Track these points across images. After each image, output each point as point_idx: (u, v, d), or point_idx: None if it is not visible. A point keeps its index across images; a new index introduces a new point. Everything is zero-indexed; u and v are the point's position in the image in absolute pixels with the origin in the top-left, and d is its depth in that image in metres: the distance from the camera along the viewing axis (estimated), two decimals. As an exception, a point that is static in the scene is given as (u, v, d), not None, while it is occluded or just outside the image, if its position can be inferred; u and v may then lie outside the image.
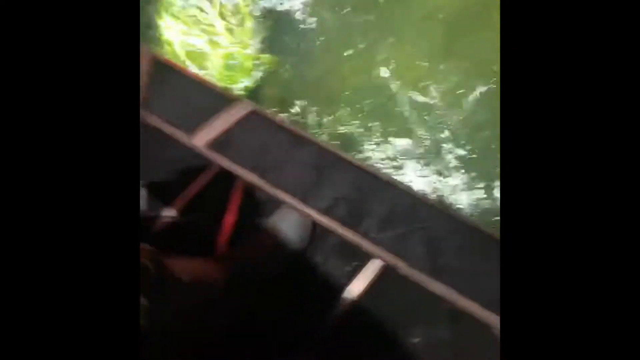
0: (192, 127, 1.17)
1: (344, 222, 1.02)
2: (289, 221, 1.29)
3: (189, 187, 1.41)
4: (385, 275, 1.23)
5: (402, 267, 0.97)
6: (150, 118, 1.20)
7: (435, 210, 1.01)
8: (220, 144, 1.15)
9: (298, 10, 1.97)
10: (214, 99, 1.17)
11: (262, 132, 1.13)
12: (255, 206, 1.36)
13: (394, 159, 1.84)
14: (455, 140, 1.80)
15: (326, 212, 1.04)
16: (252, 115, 1.14)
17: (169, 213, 1.33)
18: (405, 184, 1.03)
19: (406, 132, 1.84)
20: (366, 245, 0.99)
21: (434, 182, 1.80)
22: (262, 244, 1.32)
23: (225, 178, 1.21)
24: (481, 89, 1.81)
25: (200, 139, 1.16)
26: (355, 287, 1.26)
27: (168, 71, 1.20)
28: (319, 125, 1.91)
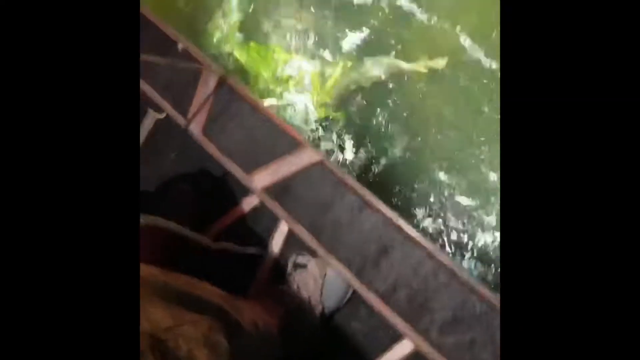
0: (252, 165, 1.08)
1: (400, 312, 0.92)
2: (331, 282, 1.20)
3: (227, 215, 1.32)
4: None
5: None
6: (208, 146, 1.11)
7: None
8: (279, 190, 1.05)
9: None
10: (282, 139, 1.07)
11: (325, 187, 1.03)
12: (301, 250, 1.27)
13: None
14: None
15: (383, 296, 0.94)
16: (319, 167, 1.04)
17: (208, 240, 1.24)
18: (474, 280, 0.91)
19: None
20: (423, 346, 0.89)
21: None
22: (300, 292, 1.23)
23: (270, 215, 1.12)
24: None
25: (259, 180, 1.07)
26: None
27: (237, 99, 1.11)
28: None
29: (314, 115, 1.84)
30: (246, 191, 1.27)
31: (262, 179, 1.06)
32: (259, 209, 1.29)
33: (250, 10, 1.98)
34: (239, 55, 1.89)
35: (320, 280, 1.23)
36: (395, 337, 1.15)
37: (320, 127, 1.82)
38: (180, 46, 1.14)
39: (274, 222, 1.26)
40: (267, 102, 1.68)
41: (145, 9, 1.19)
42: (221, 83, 1.12)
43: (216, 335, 0.72)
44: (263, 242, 1.29)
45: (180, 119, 1.14)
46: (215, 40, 1.97)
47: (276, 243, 1.28)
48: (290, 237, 1.27)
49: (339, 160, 1.74)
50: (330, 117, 1.81)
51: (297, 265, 1.25)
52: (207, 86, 1.12)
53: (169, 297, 0.71)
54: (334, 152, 1.74)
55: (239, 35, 1.95)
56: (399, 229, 0.97)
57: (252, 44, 1.88)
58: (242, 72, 1.88)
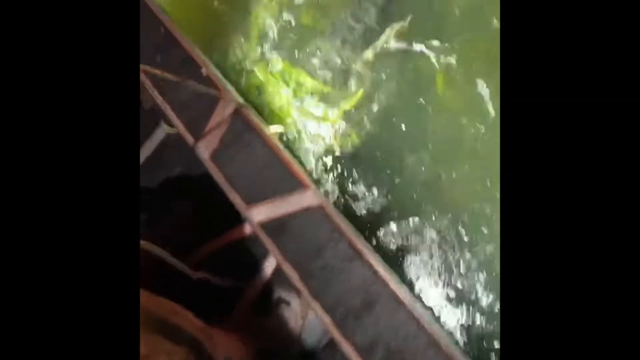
0: (253, 197, 1.09)
1: (376, 370, 0.92)
2: (312, 323, 1.19)
3: (219, 239, 1.32)
4: None
5: None
6: (214, 171, 1.13)
7: None
8: (275, 226, 1.06)
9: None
10: (287, 177, 1.09)
11: (321, 232, 1.04)
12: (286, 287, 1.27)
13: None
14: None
15: (360, 350, 0.94)
16: (318, 211, 1.05)
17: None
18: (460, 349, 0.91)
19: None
20: None
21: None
22: (280, 328, 1.23)
23: (261, 248, 1.12)
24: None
25: (257, 214, 1.08)
26: None
27: (250, 130, 1.13)
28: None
29: (326, 141, 1.83)
30: (242, 221, 1.27)
31: (260, 212, 1.08)
32: (251, 240, 1.29)
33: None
34: (259, 71, 1.89)
35: (301, 320, 1.23)
36: None
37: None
38: (204, 71, 1.17)
39: (264, 255, 1.27)
40: (274, 128, 1.68)
41: (176, 31, 1.23)
42: (237, 113, 1.15)
43: None
44: (248, 273, 1.29)
45: (189, 139, 1.16)
46: (237, 56, 1.97)
47: (263, 275, 1.28)
48: (278, 272, 1.27)
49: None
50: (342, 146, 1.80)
51: (281, 301, 1.25)
52: (222, 113, 1.15)
53: (149, 324, 0.72)
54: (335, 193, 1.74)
55: (259, 51, 1.94)
56: (387, 285, 0.97)
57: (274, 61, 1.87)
58: (260, 89, 1.88)
